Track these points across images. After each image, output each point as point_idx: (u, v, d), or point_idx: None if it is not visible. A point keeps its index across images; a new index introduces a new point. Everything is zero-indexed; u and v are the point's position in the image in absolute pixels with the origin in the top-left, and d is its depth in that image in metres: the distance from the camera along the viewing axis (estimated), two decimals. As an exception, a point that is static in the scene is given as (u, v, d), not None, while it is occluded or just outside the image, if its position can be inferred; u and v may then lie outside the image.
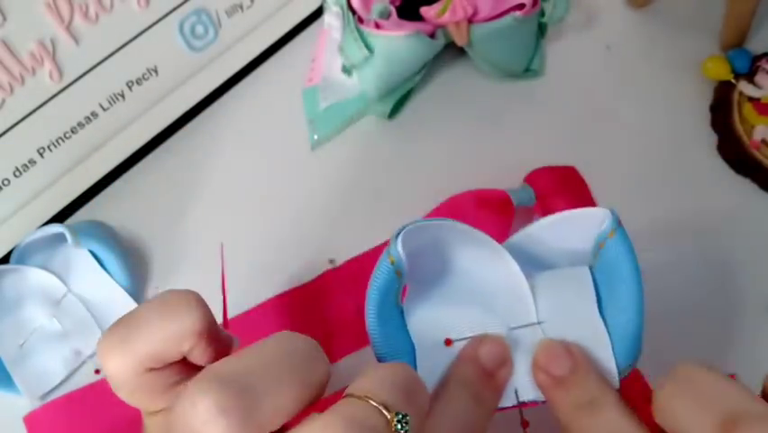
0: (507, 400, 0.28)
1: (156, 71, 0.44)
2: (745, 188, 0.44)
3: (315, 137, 0.47)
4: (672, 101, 0.47)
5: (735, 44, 0.48)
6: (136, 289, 0.41)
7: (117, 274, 0.41)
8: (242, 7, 0.46)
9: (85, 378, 0.40)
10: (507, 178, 0.42)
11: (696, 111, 0.47)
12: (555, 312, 0.28)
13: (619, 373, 0.27)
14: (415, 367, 0.28)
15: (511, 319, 0.28)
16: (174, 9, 0.43)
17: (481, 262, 0.28)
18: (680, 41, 0.50)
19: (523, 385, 0.27)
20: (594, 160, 0.45)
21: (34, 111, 0.39)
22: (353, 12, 0.44)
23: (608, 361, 0.27)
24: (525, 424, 0.27)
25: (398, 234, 0.26)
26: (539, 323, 0.28)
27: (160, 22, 0.42)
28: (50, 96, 0.40)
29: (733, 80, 0.46)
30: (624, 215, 0.43)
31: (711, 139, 0.46)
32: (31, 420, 0.39)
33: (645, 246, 0.42)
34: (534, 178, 0.43)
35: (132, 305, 0.40)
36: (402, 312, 0.29)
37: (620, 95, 0.48)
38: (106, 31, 0.40)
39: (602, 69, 0.49)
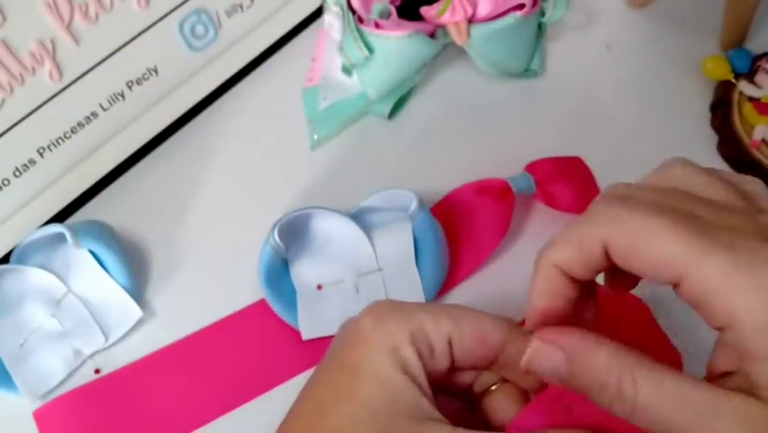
0: None
1: (156, 71, 0.44)
2: (745, 187, 0.44)
3: (315, 137, 0.47)
4: (672, 101, 0.47)
5: (735, 44, 0.48)
6: (136, 289, 0.41)
7: (117, 274, 0.41)
8: (242, 7, 0.46)
9: (85, 378, 0.40)
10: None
11: (696, 111, 0.47)
12: (389, 261, 0.40)
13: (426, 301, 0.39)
14: (296, 306, 0.39)
15: (360, 268, 0.40)
16: (174, 9, 0.43)
17: (336, 229, 0.40)
18: (680, 41, 0.50)
19: None
20: (594, 159, 0.45)
21: (34, 111, 0.39)
22: (353, 12, 0.44)
23: (419, 294, 0.39)
24: None
25: (275, 226, 0.38)
26: (380, 269, 0.40)
27: (159, 22, 0.42)
28: (50, 96, 0.40)
29: (733, 80, 0.46)
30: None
31: (711, 139, 0.46)
32: (41, 415, 0.39)
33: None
34: (534, 166, 0.43)
35: (132, 305, 0.40)
36: (287, 267, 0.40)
37: (620, 95, 0.48)
38: (106, 31, 0.40)
39: (602, 68, 0.49)
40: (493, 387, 0.29)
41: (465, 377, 0.29)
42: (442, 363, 0.27)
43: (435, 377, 0.27)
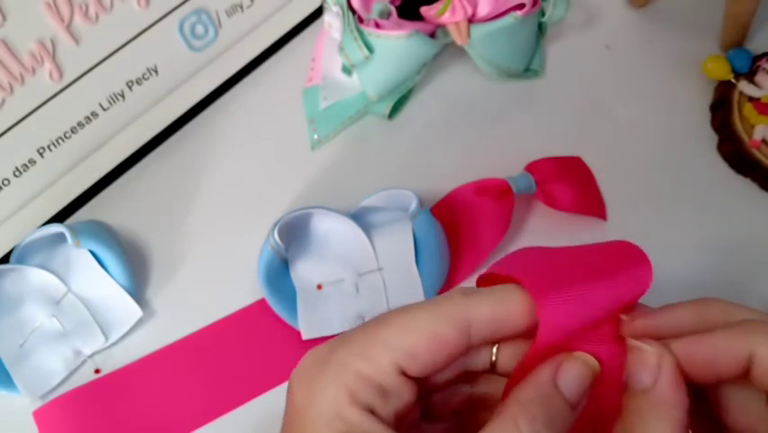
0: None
1: (156, 71, 0.44)
2: (744, 187, 0.44)
3: (315, 137, 0.47)
4: (672, 101, 0.47)
5: (735, 44, 0.48)
6: (136, 289, 0.41)
7: (117, 274, 0.41)
8: (242, 7, 0.46)
9: (85, 378, 0.40)
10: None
11: (696, 111, 0.47)
12: (389, 261, 0.40)
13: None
14: (296, 306, 0.40)
15: (360, 268, 0.40)
16: (174, 9, 0.43)
17: (336, 229, 0.40)
18: (680, 41, 0.50)
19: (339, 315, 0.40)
20: (594, 159, 0.45)
21: (34, 111, 0.39)
22: (353, 12, 0.44)
23: (419, 294, 0.40)
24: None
25: (275, 226, 0.39)
26: (380, 269, 0.40)
27: (159, 21, 0.42)
28: (50, 96, 0.40)
29: (733, 80, 0.46)
30: (623, 213, 0.43)
31: (711, 138, 0.46)
32: (41, 415, 0.39)
33: (643, 245, 0.42)
34: (534, 166, 0.43)
35: (132, 305, 0.40)
36: (287, 267, 0.41)
37: (620, 94, 0.48)
38: (106, 31, 0.40)
39: (602, 68, 0.49)
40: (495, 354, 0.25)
41: (471, 363, 0.25)
42: (405, 394, 0.23)
43: (408, 406, 0.24)
